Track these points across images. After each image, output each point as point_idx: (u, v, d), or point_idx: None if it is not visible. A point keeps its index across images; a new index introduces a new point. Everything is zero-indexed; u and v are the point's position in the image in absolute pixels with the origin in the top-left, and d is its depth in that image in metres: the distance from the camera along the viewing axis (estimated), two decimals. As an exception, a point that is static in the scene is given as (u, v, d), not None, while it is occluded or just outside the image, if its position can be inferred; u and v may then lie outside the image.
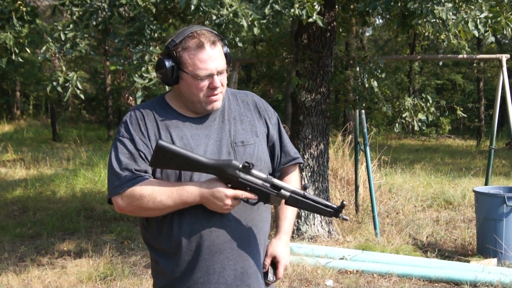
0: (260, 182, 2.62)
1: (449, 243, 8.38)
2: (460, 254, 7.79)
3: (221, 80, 2.72)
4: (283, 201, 2.72)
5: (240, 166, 2.57)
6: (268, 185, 2.64)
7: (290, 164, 3.01)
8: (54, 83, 5.97)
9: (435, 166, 16.81)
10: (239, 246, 2.75)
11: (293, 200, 2.68)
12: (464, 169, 15.43)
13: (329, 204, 2.73)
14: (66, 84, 6.01)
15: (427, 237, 8.61)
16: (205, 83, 2.68)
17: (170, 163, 2.59)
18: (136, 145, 2.70)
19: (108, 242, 8.15)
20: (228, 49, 2.82)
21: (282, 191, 2.66)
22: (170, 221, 2.72)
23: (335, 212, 2.73)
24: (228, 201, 2.61)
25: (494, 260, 7.25)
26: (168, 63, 2.70)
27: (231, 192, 2.61)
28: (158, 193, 2.63)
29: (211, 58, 2.67)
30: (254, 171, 2.60)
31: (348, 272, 6.99)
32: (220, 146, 2.77)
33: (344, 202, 2.72)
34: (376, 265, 7.05)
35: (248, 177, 2.60)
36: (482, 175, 12.98)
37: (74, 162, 16.64)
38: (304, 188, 2.73)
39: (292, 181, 2.97)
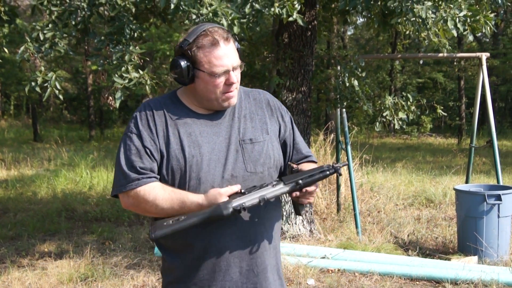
0: (256, 201, 2.61)
1: (430, 241, 8.42)
2: (441, 252, 7.83)
3: (237, 76, 2.75)
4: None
5: (230, 212, 2.56)
6: (264, 201, 2.63)
7: (302, 162, 2.99)
8: (33, 83, 5.92)
9: (416, 164, 16.89)
10: (246, 243, 2.77)
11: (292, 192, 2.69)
12: (445, 167, 15.51)
13: (324, 172, 2.68)
14: (45, 84, 5.96)
15: (408, 236, 8.65)
16: (222, 79, 2.71)
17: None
18: (143, 142, 2.73)
19: (89, 243, 8.11)
20: (238, 44, 2.83)
21: (280, 196, 2.68)
22: None
23: (331, 173, 2.69)
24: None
25: (475, 258, 7.29)
26: (183, 63, 2.70)
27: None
28: (160, 201, 2.67)
29: (226, 55, 2.69)
30: (247, 204, 2.58)
31: (330, 271, 7.00)
32: (229, 144, 2.78)
33: (335, 164, 2.70)
34: (358, 264, 7.07)
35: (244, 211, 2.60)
36: (463, 173, 13.04)
37: (55, 162, 16.59)
38: (292, 170, 2.72)
39: (306, 167, 2.93)
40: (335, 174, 2.80)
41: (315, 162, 3.05)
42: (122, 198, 2.75)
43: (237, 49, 2.80)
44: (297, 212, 2.83)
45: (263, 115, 2.92)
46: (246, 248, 2.77)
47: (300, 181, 2.66)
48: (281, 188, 2.66)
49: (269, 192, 2.65)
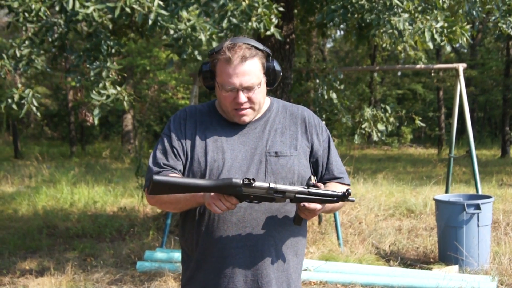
0: (263, 191, 2.61)
1: (412, 251, 8.45)
2: (422, 262, 7.86)
3: (250, 96, 2.77)
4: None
5: (241, 183, 2.54)
6: (272, 192, 2.62)
7: (331, 181, 2.99)
8: (9, 100, 5.89)
9: (397, 175, 16.93)
10: (252, 254, 2.79)
11: (299, 199, 2.66)
12: (426, 177, 15.56)
13: (335, 193, 2.70)
14: (22, 101, 5.93)
15: (389, 246, 8.67)
16: (230, 95, 2.76)
17: (169, 192, 2.61)
18: (171, 142, 2.85)
19: (70, 260, 8.06)
20: (273, 65, 2.87)
21: (287, 193, 2.64)
22: (192, 221, 2.84)
23: (342, 198, 2.72)
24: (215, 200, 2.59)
25: (456, 267, 7.32)
26: (205, 67, 2.85)
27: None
28: None
29: (237, 74, 2.72)
30: (257, 183, 2.57)
31: (312, 283, 7.00)
32: (253, 154, 2.82)
33: (350, 190, 2.73)
34: (340, 275, 7.07)
35: (251, 189, 2.58)
36: (443, 183, 13.08)
37: (36, 179, 16.48)
38: (308, 185, 2.69)
39: (331, 186, 2.94)
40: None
41: (348, 185, 3.04)
42: (146, 194, 2.82)
43: (270, 69, 2.85)
44: (295, 222, 2.82)
45: (295, 131, 2.93)
46: (252, 258, 2.78)
47: (310, 190, 2.66)
48: (293, 187, 2.66)
49: (281, 185, 2.65)
